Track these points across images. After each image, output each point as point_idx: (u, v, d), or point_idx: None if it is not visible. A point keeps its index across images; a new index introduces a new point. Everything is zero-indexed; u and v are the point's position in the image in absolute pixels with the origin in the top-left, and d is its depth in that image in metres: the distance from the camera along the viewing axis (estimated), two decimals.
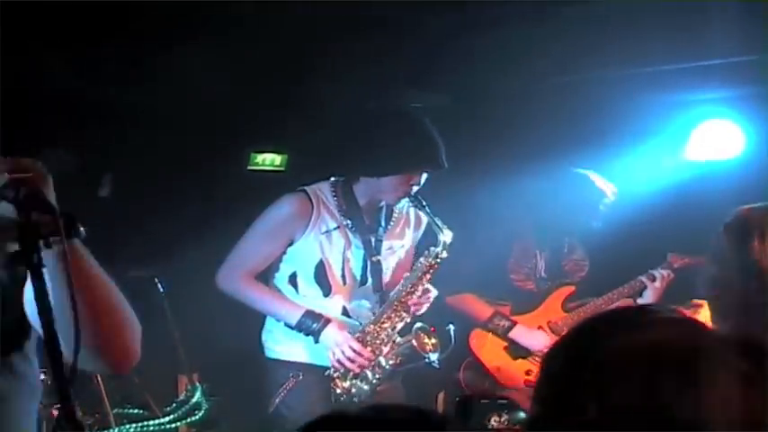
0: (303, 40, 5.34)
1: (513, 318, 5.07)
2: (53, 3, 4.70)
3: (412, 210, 4.40)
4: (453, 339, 4.41)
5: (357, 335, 4.22)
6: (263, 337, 4.34)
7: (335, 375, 4.19)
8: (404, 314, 4.27)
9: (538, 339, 4.99)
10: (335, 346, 4.14)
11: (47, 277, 1.65)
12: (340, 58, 5.40)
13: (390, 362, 4.25)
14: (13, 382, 1.82)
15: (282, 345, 4.27)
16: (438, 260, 4.23)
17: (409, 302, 4.25)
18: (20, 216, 1.64)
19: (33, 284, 1.62)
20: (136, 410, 4.32)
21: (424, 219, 4.40)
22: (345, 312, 4.27)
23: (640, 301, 4.92)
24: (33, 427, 1.62)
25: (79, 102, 5.33)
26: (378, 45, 5.25)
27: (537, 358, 4.97)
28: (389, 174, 4.15)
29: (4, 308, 1.72)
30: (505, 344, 5.10)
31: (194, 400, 4.38)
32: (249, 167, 6.25)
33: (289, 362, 4.25)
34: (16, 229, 1.63)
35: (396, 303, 4.25)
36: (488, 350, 5.08)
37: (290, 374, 4.20)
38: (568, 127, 5.55)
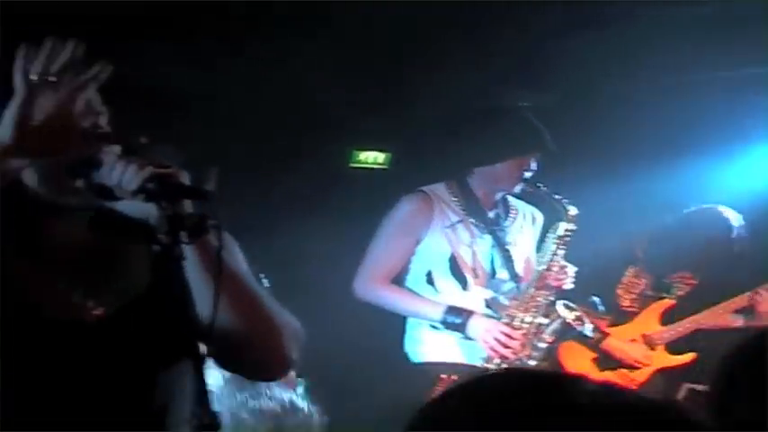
0: (409, 39, 5.34)
1: (608, 330, 4.98)
2: None
3: (525, 206, 4.44)
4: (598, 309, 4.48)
5: (504, 321, 4.21)
6: (407, 343, 4.33)
7: (489, 366, 4.17)
8: (545, 293, 4.27)
9: (631, 351, 4.90)
10: (486, 334, 4.14)
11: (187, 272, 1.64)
12: (445, 57, 5.39)
13: (544, 341, 4.24)
14: (181, 381, 1.81)
15: (429, 347, 4.26)
16: (567, 233, 4.29)
17: (548, 280, 4.27)
18: (164, 208, 1.63)
19: (174, 278, 1.62)
20: None
21: (539, 217, 4.44)
22: (485, 305, 4.25)
23: (746, 319, 4.79)
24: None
25: (185, 96, 5.41)
26: (486, 44, 5.23)
27: (624, 371, 4.89)
28: (503, 159, 4.21)
29: (169, 308, 1.70)
30: (594, 355, 5.01)
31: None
32: (351, 164, 6.25)
33: (438, 363, 4.23)
34: (164, 221, 1.62)
35: (535, 284, 4.27)
36: (575, 361, 5.01)
37: (441, 375, 4.18)
38: (679, 129, 5.44)
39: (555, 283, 4.29)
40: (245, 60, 5.56)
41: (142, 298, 1.82)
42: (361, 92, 5.76)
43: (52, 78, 1.61)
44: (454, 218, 4.26)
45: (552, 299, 4.31)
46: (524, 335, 4.21)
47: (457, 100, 5.57)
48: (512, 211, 4.41)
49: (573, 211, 4.29)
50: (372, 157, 6.27)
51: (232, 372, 1.90)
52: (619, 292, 5.11)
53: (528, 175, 4.24)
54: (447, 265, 4.23)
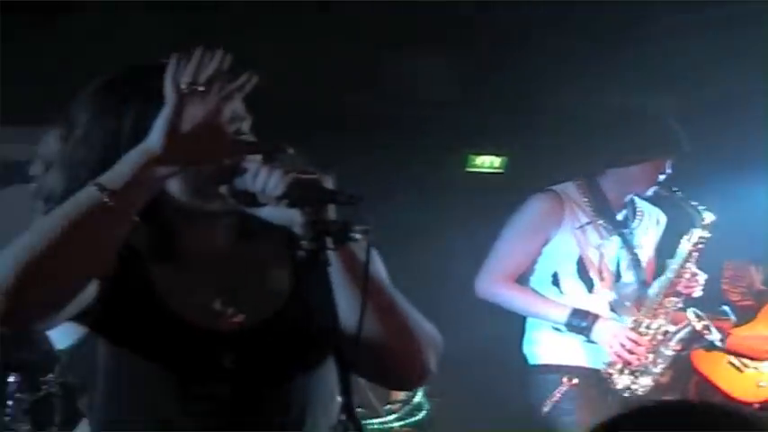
0: (524, 42, 5.33)
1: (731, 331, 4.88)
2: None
3: (650, 208, 4.38)
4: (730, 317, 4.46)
5: (630, 326, 4.16)
6: (526, 345, 4.30)
7: (612, 372, 4.13)
8: (674, 299, 4.22)
9: (755, 342, 4.81)
10: (613, 339, 4.09)
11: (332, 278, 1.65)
12: (560, 60, 5.36)
13: (671, 349, 4.19)
14: (319, 388, 1.84)
15: (551, 349, 4.23)
16: (701, 241, 4.22)
17: (678, 287, 4.21)
18: (308, 214, 1.64)
19: (320, 284, 1.62)
20: (357, 408, 4.39)
21: (663, 219, 4.39)
22: (609, 308, 4.21)
23: None
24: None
25: (303, 102, 5.48)
26: (603, 46, 5.19)
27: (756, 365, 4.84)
28: (639, 161, 4.16)
29: (311, 315, 1.72)
30: (728, 358, 4.93)
31: (416, 400, 4.42)
32: (467, 169, 6.24)
33: (559, 366, 4.20)
34: (308, 227, 1.63)
35: (664, 291, 4.21)
36: (713, 369, 4.94)
37: (563, 378, 4.15)
38: None
39: (685, 291, 4.22)
40: (363, 66, 5.63)
41: (284, 305, 1.83)
42: (479, 96, 5.76)
43: (201, 88, 1.63)
44: (584, 219, 4.19)
45: (680, 306, 4.24)
46: (650, 341, 4.15)
47: (577, 101, 5.54)
48: (638, 213, 4.35)
49: (708, 218, 4.21)
50: (489, 162, 6.28)
51: (370, 380, 1.89)
52: (725, 287, 5.04)
53: (662, 178, 4.18)
54: (575, 266, 4.16)
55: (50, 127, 1.87)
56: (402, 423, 4.47)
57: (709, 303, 4.48)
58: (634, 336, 4.10)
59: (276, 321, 1.82)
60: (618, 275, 4.23)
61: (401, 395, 4.52)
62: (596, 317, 4.07)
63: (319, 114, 5.65)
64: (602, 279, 4.18)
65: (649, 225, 4.37)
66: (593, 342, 4.10)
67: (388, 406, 4.50)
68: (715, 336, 4.28)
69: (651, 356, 4.16)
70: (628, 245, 4.24)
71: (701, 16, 4.91)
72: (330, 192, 1.67)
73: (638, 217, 4.35)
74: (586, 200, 4.22)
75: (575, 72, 5.36)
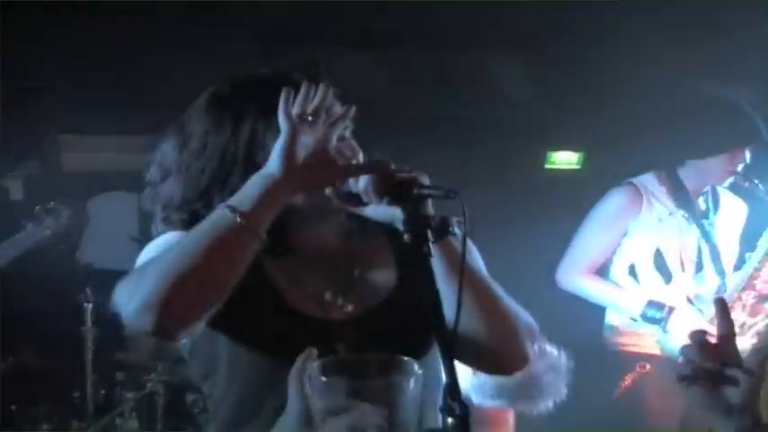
0: (600, 37, 5.38)
1: None
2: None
3: (732, 198, 4.39)
4: None
5: (706, 319, 4.21)
6: (605, 332, 4.40)
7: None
8: (753, 293, 4.22)
9: None
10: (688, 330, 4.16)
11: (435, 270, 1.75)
12: (636, 53, 5.40)
13: (750, 342, 4.23)
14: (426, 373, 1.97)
15: (626, 337, 4.32)
16: None
17: (756, 280, 4.21)
18: (411, 211, 1.76)
19: (423, 274, 1.73)
20: None
21: (744, 211, 4.38)
22: (688, 300, 4.27)
23: None
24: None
25: (385, 103, 5.60)
26: (677, 39, 5.22)
27: None
28: (718, 152, 4.18)
29: (415, 304, 1.82)
30: None
31: None
32: (546, 166, 6.32)
33: (634, 353, 4.30)
34: (409, 222, 1.75)
35: (743, 284, 4.22)
36: None
37: (637, 365, 4.24)
38: None
39: (762, 288, 4.22)
40: (436, 65, 5.74)
41: (390, 295, 1.97)
42: (556, 93, 5.83)
43: (309, 118, 1.79)
44: (663, 210, 4.25)
45: (756, 299, 4.23)
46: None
47: (652, 95, 5.56)
48: (720, 204, 4.37)
49: None
50: (566, 158, 6.34)
51: (469, 365, 2.00)
52: None
53: (740, 167, 4.19)
54: (651, 258, 4.23)
55: (160, 136, 2.04)
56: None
57: None
58: (709, 328, 4.14)
59: (383, 310, 1.95)
60: (699, 267, 4.26)
61: None
62: (672, 309, 4.14)
63: (403, 115, 5.77)
64: (681, 271, 4.23)
65: (731, 216, 4.37)
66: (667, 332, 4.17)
67: None
68: None
69: None
70: (707, 236, 4.28)
71: None
72: (428, 188, 1.79)
73: (719, 207, 4.36)
74: (666, 191, 4.28)
75: (651, 65, 5.40)
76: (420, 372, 1.62)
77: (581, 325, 4.60)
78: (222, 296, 1.78)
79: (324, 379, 1.59)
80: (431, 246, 1.76)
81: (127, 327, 1.80)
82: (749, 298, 4.23)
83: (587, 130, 6.07)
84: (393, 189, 1.79)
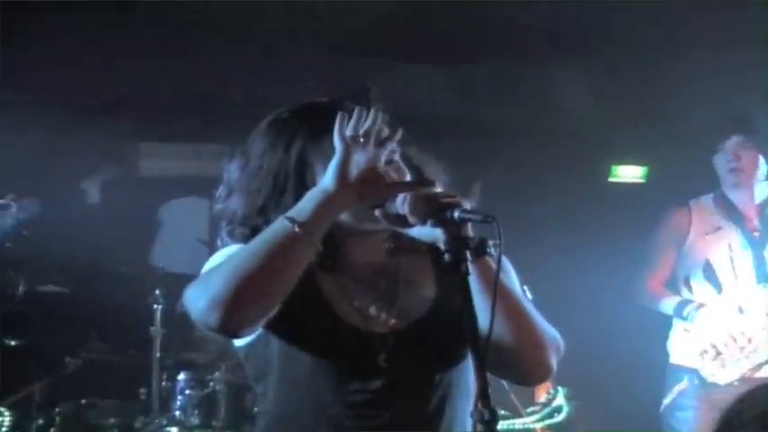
0: (663, 53, 5.42)
1: None
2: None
3: None
4: None
5: (739, 325, 4.28)
6: (669, 344, 4.52)
7: (703, 360, 4.28)
8: None
9: None
10: (712, 327, 4.27)
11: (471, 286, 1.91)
12: (700, 70, 5.43)
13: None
14: (457, 383, 2.10)
15: (680, 349, 4.44)
16: None
17: None
18: (452, 232, 1.92)
19: (461, 291, 1.89)
20: (501, 411, 4.57)
21: None
22: (739, 310, 4.35)
23: None
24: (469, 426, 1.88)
25: (440, 117, 5.70)
26: (737, 54, 5.24)
27: None
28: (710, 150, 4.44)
29: (453, 319, 1.97)
30: None
31: (556, 402, 4.60)
32: (610, 179, 6.38)
33: (687, 367, 4.40)
34: (450, 243, 1.91)
35: None
36: None
37: (686, 377, 4.35)
38: None
39: None
40: (502, 78, 5.80)
41: (429, 310, 2.10)
42: (621, 106, 5.87)
43: (361, 139, 1.96)
44: (714, 225, 4.43)
45: None
46: (751, 340, 4.27)
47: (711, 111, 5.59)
48: None
49: None
50: (631, 172, 6.39)
51: (499, 375, 2.11)
52: None
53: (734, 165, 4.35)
54: (701, 270, 4.41)
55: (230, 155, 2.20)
56: (543, 424, 4.66)
57: None
58: (735, 330, 4.24)
59: (422, 325, 2.09)
60: (752, 278, 4.37)
61: (542, 398, 4.72)
62: (700, 305, 4.30)
63: (465, 128, 5.87)
64: (732, 281, 4.35)
65: None
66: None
67: (531, 408, 4.70)
68: None
69: (747, 351, 4.26)
70: (756, 248, 4.38)
71: None
72: (469, 212, 1.93)
73: None
74: (718, 208, 4.45)
75: (718, 81, 5.43)
76: None
77: (640, 336, 4.71)
78: (280, 297, 1.95)
79: None
80: (469, 265, 1.91)
81: (195, 323, 1.99)
82: None
83: (652, 144, 6.11)
84: (437, 212, 1.93)
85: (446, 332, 2.05)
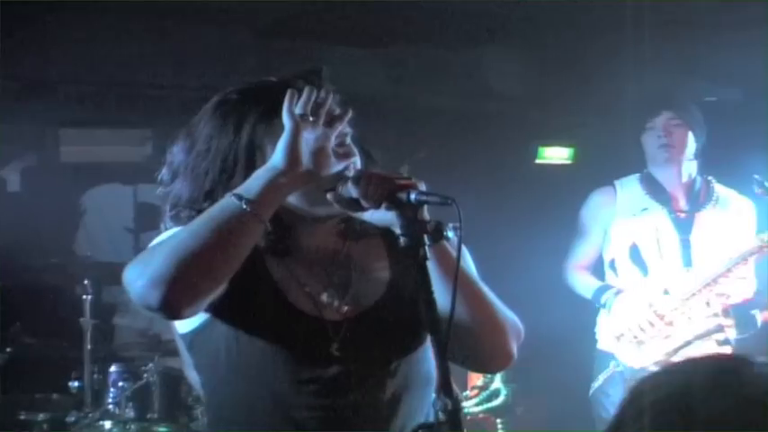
0: (593, 34, 5.45)
1: None
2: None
3: (733, 196, 4.42)
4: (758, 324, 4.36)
5: (657, 309, 4.28)
6: (596, 330, 4.51)
7: (619, 343, 4.28)
8: (712, 295, 4.24)
9: None
10: (628, 313, 4.25)
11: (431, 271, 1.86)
12: (628, 53, 5.47)
13: (688, 337, 4.26)
14: (415, 370, 2.05)
15: (606, 335, 4.42)
16: (764, 248, 4.19)
17: (720, 282, 4.23)
18: (408, 216, 1.86)
19: (419, 277, 1.84)
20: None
21: (748, 210, 4.40)
22: (665, 292, 4.34)
23: None
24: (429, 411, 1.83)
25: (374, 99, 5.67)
26: (668, 39, 5.29)
27: None
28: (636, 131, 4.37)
29: (408, 305, 1.94)
30: None
31: (494, 386, 4.60)
32: (537, 161, 6.41)
33: (611, 353, 4.39)
34: (407, 227, 1.86)
35: (708, 284, 4.24)
36: None
37: (612, 363, 4.35)
38: None
39: (724, 291, 4.24)
40: (431, 61, 5.79)
41: (383, 297, 2.05)
42: (548, 89, 5.90)
43: (311, 118, 1.91)
44: (640, 206, 4.37)
45: (713, 304, 4.25)
46: (669, 324, 4.24)
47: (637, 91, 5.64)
48: (711, 199, 4.40)
49: None
50: (558, 153, 6.42)
51: (459, 363, 2.07)
52: None
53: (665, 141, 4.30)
54: (627, 253, 4.35)
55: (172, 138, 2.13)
56: (482, 408, 4.66)
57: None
58: (654, 313, 4.22)
59: (376, 311, 2.04)
60: (677, 260, 4.32)
61: (479, 381, 4.71)
62: (619, 291, 4.26)
63: (393, 110, 5.85)
64: (656, 263, 4.31)
65: (723, 212, 4.38)
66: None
67: (467, 392, 4.69)
68: (730, 336, 4.24)
69: (664, 333, 4.24)
70: (683, 231, 4.34)
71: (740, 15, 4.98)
72: (426, 194, 1.88)
73: (709, 203, 4.40)
74: (644, 189, 4.39)
75: (641, 63, 5.48)
76: None
77: (571, 319, 4.72)
78: (225, 277, 1.89)
79: None
80: (426, 249, 1.85)
81: (135, 304, 1.91)
82: (711, 300, 4.24)
83: (579, 125, 6.15)
84: (391, 195, 1.88)
85: (401, 318, 2.00)
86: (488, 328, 2.02)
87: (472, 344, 1.99)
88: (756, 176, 4.18)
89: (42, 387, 4.82)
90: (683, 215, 4.36)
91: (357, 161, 2.01)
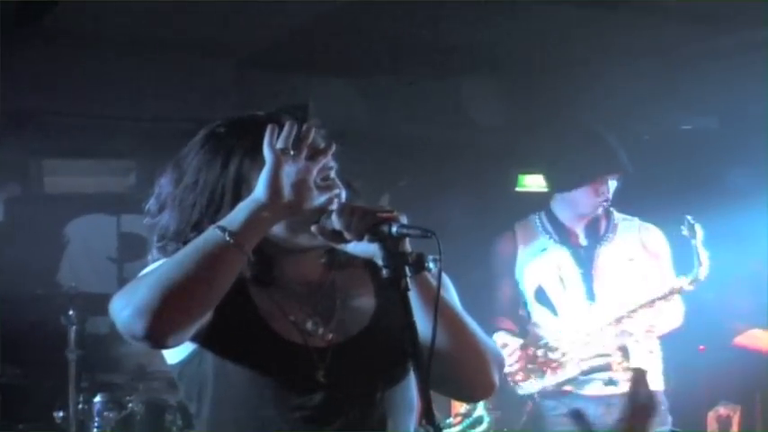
0: (562, 66, 5.52)
1: None
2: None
3: (637, 229, 4.38)
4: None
5: (561, 342, 4.25)
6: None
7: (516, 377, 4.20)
8: (617, 331, 4.22)
9: None
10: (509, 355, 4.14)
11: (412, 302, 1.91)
12: (603, 82, 5.55)
13: (578, 370, 4.23)
14: (399, 398, 2.10)
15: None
16: (680, 290, 4.17)
17: (623, 321, 4.21)
18: (390, 248, 1.92)
19: (401, 307, 1.89)
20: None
21: (655, 243, 4.36)
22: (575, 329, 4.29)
23: None
24: None
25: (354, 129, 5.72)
26: (647, 68, 5.36)
27: None
28: (579, 184, 4.25)
29: (392, 334, 1.99)
30: None
31: (477, 413, 4.61)
32: (517, 188, 6.47)
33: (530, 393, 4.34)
34: (389, 258, 1.91)
35: (613, 320, 4.21)
36: None
37: (529, 401, 4.32)
38: None
39: (626, 334, 4.22)
40: (411, 91, 5.85)
41: (368, 326, 2.11)
42: (526, 117, 5.95)
43: (292, 152, 1.95)
44: (540, 246, 4.36)
45: (621, 341, 4.24)
46: (563, 354, 4.24)
47: (618, 122, 5.70)
48: (610, 234, 4.35)
49: (703, 273, 4.11)
50: (536, 181, 6.45)
51: (441, 392, 2.11)
52: None
53: (604, 197, 4.20)
54: (533, 295, 4.35)
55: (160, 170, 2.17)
56: None
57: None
58: (549, 344, 4.23)
59: (361, 340, 2.09)
60: (582, 295, 4.30)
61: (462, 409, 4.73)
62: (504, 345, 4.12)
63: (373, 141, 5.90)
64: (562, 300, 4.30)
65: (626, 246, 4.34)
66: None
67: (450, 419, 4.71)
68: (615, 377, 4.24)
69: (555, 368, 4.23)
70: (583, 264, 4.31)
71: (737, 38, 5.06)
72: (407, 227, 1.94)
73: (609, 233, 4.36)
74: (543, 228, 4.39)
75: (612, 93, 5.55)
76: None
77: None
78: (208, 307, 1.94)
79: None
80: (408, 280, 1.91)
81: (121, 333, 1.94)
82: (615, 335, 4.21)
83: (553, 153, 6.20)
84: (373, 227, 1.93)
85: (386, 347, 2.05)
86: (470, 357, 2.06)
87: (454, 373, 2.04)
88: (688, 217, 4.13)
89: (27, 418, 4.85)
90: (582, 249, 4.32)
91: (342, 194, 2.07)
